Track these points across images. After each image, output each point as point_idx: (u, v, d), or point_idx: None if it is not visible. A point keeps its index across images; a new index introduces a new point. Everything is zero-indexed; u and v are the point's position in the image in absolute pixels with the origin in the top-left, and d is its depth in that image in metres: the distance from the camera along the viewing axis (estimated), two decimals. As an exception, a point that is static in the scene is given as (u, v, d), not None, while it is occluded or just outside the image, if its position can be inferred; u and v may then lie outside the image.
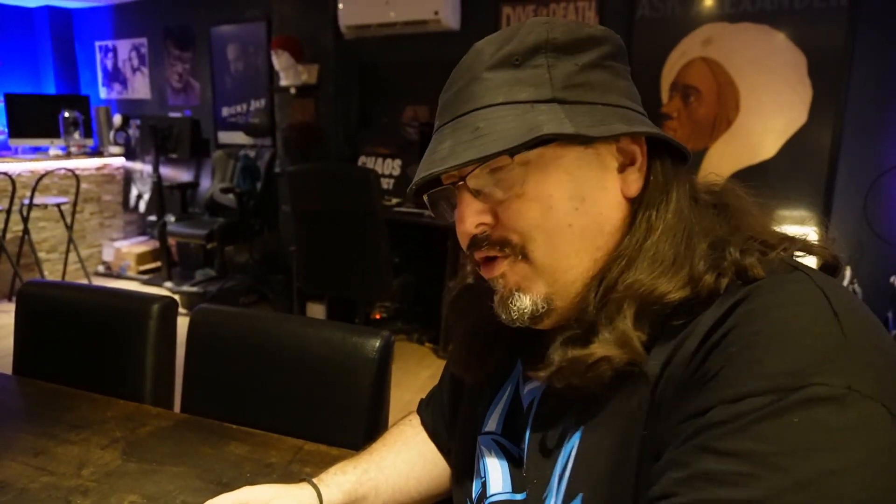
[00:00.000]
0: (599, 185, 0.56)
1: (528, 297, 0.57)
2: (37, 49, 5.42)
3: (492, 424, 0.68)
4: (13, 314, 1.37)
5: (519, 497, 0.62)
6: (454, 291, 0.73)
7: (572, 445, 0.56)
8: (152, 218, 4.92)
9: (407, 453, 0.84)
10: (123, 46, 5.26)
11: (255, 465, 0.96)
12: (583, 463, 0.55)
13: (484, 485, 0.65)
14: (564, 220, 0.55)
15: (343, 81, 4.03)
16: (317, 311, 3.71)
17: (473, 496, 0.68)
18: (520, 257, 0.57)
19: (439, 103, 0.60)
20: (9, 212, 4.20)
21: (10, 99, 4.77)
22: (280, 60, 3.84)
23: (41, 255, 4.57)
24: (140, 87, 5.26)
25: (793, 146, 2.96)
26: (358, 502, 0.77)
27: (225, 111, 4.78)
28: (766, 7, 2.92)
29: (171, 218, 4.54)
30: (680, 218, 0.55)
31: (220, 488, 0.89)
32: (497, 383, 0.70)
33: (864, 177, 2.85)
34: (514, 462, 0.64)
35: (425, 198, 0.63)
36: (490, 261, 0.59)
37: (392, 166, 4.07)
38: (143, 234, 5.41)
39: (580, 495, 0.54)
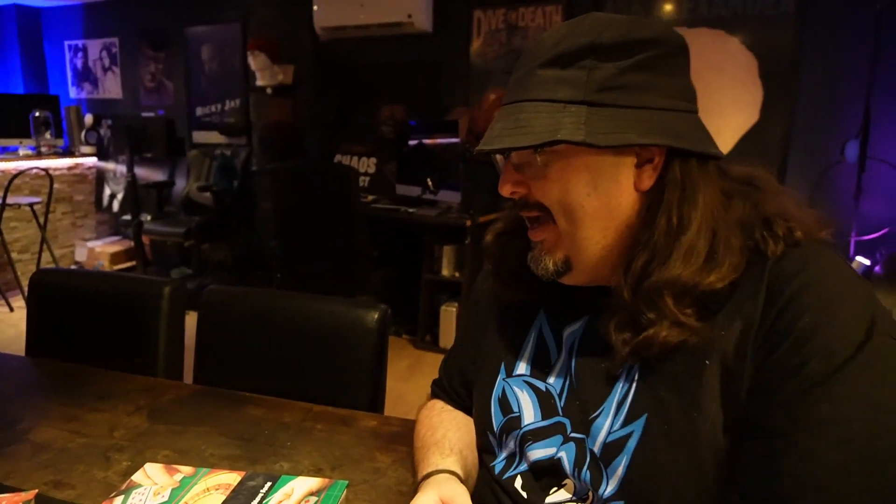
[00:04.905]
0: (613, 178, 0.66)
1: (551, 261, 0.72)
2: (4, 48, 5.37)
3: (521, 368, 0.80)
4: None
5: (547, 423, 0.74)
6: (496, 231, 0.85)
7: (633, 378, 0.68)
8: (127, 217, 4.93)
9: (460, 429, 0.89)
10: (94, 46, 5.24)
11: (272, 423, 1.07)
12: (645, 391, 0.66)
13: (518, 418, 0.77)
14: (577, 201, 0.67)
15: (319, 82, 4.12)
16: (296, 305, 3.79)
17: (496, 427, 0.79)
18: (552, 222, 0.70)
19: (510, 81, 0.70)
20: (-19, 212, 4.18)
21: (-23, 98, 4.75)
22: (257, 61, 3.92)
23: (13, 255, 4.55)
24: (111, 87, 5.25)
25: (746, 143, 3.17)
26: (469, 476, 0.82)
27: (199, 111, 4.82)
28: (721, 13, 3.14)
29: (146, 217, 4.57)
30: (711, 215, 0.63)
31: (244, 443, 1.00)
32: (516, 335, 0.82)
33: (812, 171, 3.08)
34: (542, 395, 0.76)
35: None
36: (533, 224, 0.73)
37: (368, 164, 4.17)
38: (115, 234, 5.40)
39: (644, 416, 0.65)
